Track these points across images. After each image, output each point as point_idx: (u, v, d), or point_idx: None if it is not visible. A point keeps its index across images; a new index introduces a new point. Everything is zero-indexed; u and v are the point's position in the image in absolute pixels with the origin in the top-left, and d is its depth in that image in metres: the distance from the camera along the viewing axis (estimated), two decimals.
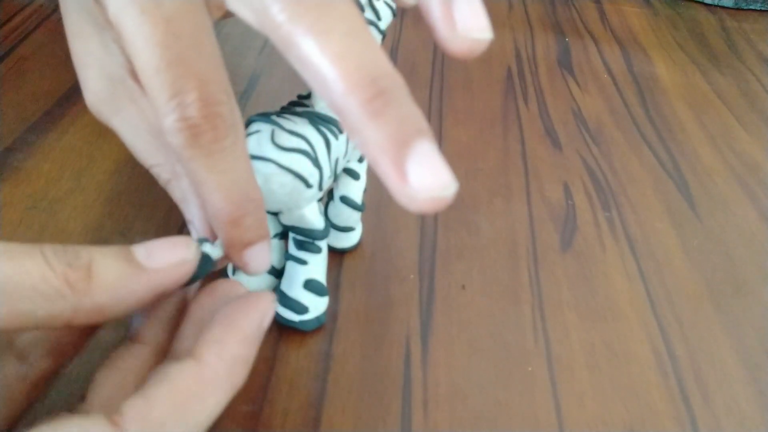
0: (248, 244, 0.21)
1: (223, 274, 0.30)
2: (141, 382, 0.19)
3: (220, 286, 0.23)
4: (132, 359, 0.21)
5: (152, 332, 0.22)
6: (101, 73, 0.23)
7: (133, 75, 0.23)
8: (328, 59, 0.17)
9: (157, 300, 0.21)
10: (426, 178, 0.16)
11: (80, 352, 0.22)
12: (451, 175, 0.17)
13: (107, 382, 0.20)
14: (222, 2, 0.19)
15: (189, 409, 0.18)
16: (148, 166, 0.24)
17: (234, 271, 0.30)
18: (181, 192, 0.24)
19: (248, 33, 0.54)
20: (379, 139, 0.16)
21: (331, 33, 0.17)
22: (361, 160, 0.32)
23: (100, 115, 0.24)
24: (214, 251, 0.22)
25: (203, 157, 0.19)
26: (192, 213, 0.24)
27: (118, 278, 0.19)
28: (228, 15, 0.20)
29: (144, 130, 0.24)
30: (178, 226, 0.35)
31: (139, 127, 0.24)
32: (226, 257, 0.22)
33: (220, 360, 0.19)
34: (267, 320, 0.21)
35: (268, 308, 0.21)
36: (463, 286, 0.33)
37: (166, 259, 0.20)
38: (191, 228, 0.24)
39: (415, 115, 0.17)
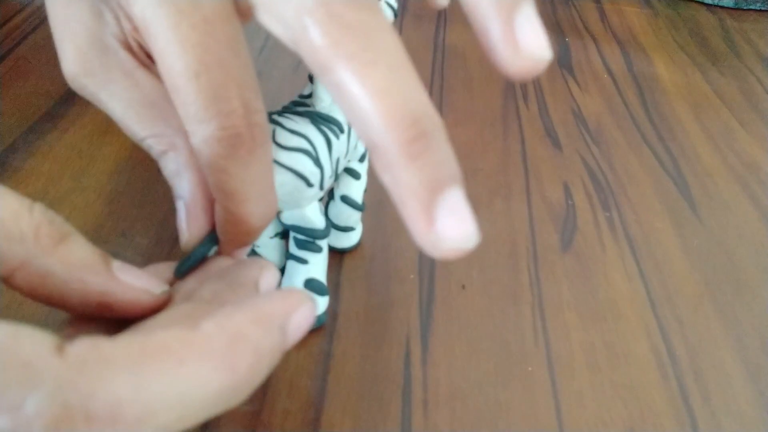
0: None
1: None
2: None
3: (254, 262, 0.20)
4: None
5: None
6: (90, 43, 0.21)
7: (128, 46, 0.21)
8: (370, 94, 0.16)
9: (101, 311, 0.18)
10: (453, 228, 0.16)
11: None
12: (476, 227, 0.16)
13: None
14: (249, 9, 0.18)
15: (153, 365, 0.14)
16: (140, 139, 0.22)
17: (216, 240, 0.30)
18: (177, 165, 0.22)
19: (248, 33, 0.54)
20: (413, 183, 0.16)
21: (376, 66, 0.16)
22: (361, 159, 0.32)
23: (84, 88, 0.22)
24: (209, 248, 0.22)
25: (240, 168, 0.19)
26: (183, 188, 0.22)
27: (82, 260, 0.17)
28: (248, 21, 0.20)
29: (138, 102, 0.22)
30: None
31: (132, 99, 0.22)
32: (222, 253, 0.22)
33: (218, 328, 0.15)
34: (301, 319, 0.17)
35: (303, 302, 0.17)
36: (463, 286, 0.33)
37: (133, 279, 0.18)
38: (179, 204, 0.23)
39: (450, 160, 0.16)
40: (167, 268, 0.21)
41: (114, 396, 0.13)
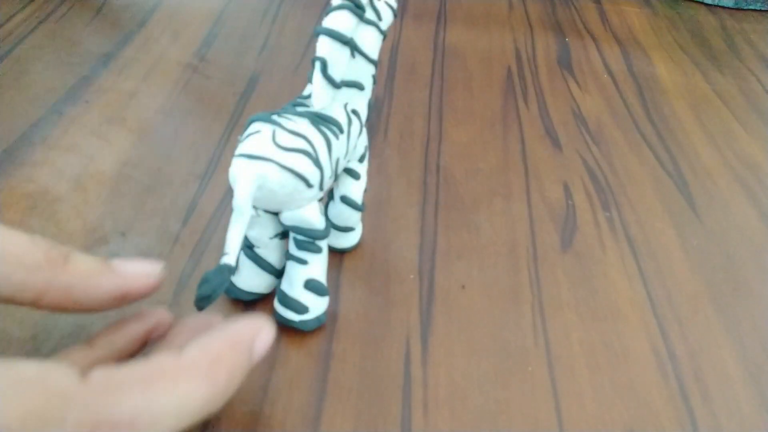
0: None
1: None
2: None
3: (206, 318, 0.25)
4: (82, 358, 0.22)
5: (108, 339, 0.23)
6: None
7: None
8: None
9: (121, 303, 0.23)
10: None
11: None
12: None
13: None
14: None
15: (156, 385, 0.18)
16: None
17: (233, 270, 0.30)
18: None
19: (248, 33, 0.54)
20: None
21: None
22: (361, 160, 0.32)
23: None
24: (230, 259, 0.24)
25: None
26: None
27: (90, 268, 0.22)
28: None
29: None
30: (178, 227, 0.35)
31: None
32: None
33: (201, 353, 0.20)
34: (263, 341, 0.22)
35: (264, 328, 0.22)
36: (463, 286, 0.33)
37: (133, 268, 0.23)
38: None
39: None
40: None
41: (131, 409, 0.17)
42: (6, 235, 0.21)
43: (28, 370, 0.17)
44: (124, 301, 0.23)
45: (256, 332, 0.22)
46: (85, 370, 0.18)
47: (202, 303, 0.23)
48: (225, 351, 0.20)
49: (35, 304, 0.21)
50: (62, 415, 0.16)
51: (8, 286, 0.20)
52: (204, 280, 0.23)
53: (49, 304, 0.21)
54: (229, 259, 0.24)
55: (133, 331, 0.24)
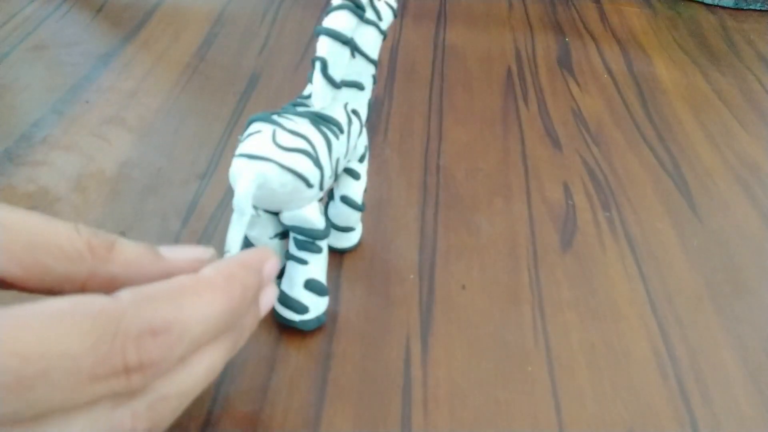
0: None
1: None
2: None
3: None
4: None
5: None
6: None
7: None
8: None
9: None
10: None
11: None
12: None
13: None
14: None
15: (181, 297, 0.20)
16: None
17: None
18: None
19: (248, 33, 0.54)
20: None
21: None
22: (361, 160, 0.32)
23: None
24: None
25: None
26: None
27: (137, 257, 0.22)
28: None
29: None
30: (178, 227, 0.35)
31: None
32: None
33: (216, 272, 0.21)
34: (272, 264, 0.24)
35: (271, 256, 0.24)
36: (463, 286, 0.33)
37: (183, 254, 0.23)
38: None
39: None
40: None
41: (164, 316, 0.19)
42: (48, 224, 0.20)
43: (61, 303, 0.17)
44: None
45: (266, 258, 0.24)
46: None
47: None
48: (238, 270, 0.22)
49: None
50: (112, 330, 0.17)
51: (51, 277, 0.20)
52: None
53: (94, 292, 0.21)
54: None
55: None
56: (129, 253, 0.21)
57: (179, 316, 0.19)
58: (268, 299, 0.24)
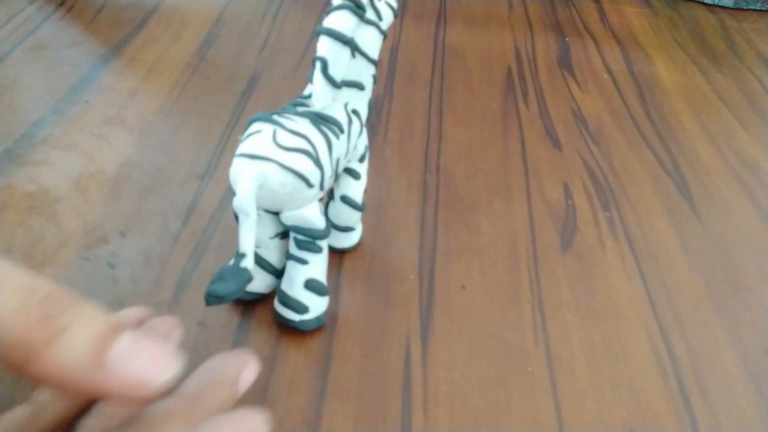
0: None
1: None
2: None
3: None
4: (116, 406, 0.21)
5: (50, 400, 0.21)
6: None
7: None
8: None
9: (100, 398, 0.21)
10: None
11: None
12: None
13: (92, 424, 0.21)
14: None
15: None
16: None
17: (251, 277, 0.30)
18: None
19: (248, 33, 0.54)
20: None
21: None
22: (361, 160, 0.32)
23: None
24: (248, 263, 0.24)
25: None
26: None
27: (74, 361, 0.17)
28: None
29: None
30: (178, 227, 0.35)
31: None
32: None
33: (180, 399, 0.20)
34: (247, 374, 0.22)
35: (246, 360, 0.23)
36: (463, 286, 0.33)
37: (137, 367, 0.18)
38: None
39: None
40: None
41: None
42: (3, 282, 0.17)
43: None
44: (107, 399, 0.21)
45: (243, 365, 0.22)
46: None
47: (213, 301, 0.23)
48: (206, 391, 0.21)
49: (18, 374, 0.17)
50: None
51: None
52: (220, 277, 0.23)
53: (29, 379, 0.18)
54: (247, 262, 0.24)
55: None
56: (72, 351, 0.17)
57: None
58: (248, 378, 0.23)
